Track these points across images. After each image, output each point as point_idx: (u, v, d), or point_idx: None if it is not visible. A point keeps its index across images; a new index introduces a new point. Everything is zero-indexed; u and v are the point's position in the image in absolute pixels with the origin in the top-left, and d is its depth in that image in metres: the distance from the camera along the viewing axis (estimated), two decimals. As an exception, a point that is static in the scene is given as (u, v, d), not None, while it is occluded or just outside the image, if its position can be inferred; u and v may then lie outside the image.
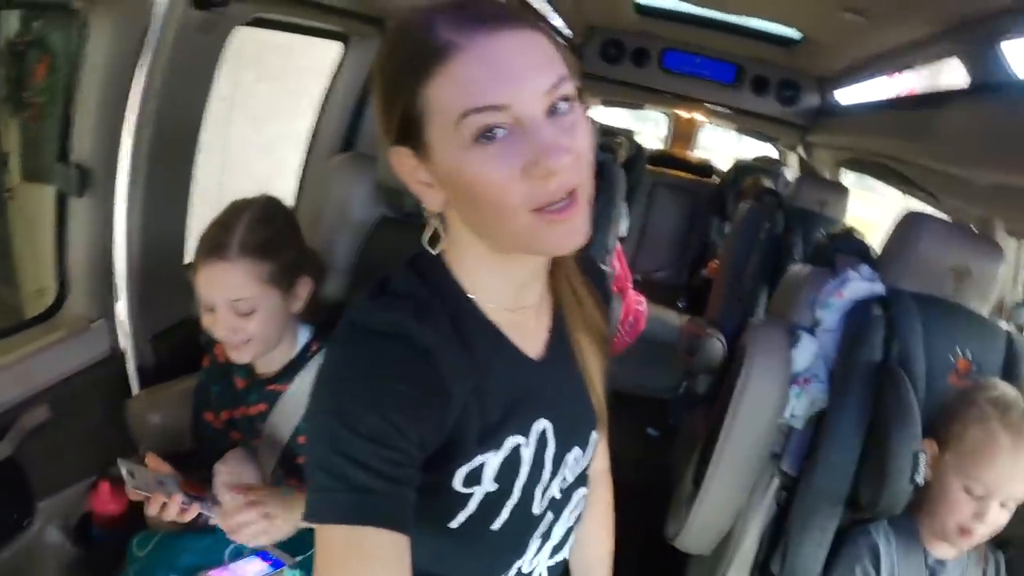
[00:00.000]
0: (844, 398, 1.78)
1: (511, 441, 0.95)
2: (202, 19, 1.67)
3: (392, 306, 0.89)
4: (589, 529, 1.30)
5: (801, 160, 5.36)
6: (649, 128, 8.60)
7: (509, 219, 0.82)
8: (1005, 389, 1.62)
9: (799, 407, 1.86)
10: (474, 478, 0.92)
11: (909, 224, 1.97)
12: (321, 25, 2.44)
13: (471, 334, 0.93)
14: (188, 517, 1.37)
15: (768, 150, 6.35)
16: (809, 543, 1.73)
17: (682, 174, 6.19)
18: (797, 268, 2.18)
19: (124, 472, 1.38)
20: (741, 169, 5.70)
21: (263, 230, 1.56)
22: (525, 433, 0.97)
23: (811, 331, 1.95)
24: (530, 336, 1.01)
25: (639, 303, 3.89)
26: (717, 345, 2.98)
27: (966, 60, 2.30)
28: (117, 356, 1.93)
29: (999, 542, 1.73)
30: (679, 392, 4.02)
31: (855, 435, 1.74)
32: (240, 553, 1.53)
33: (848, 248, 2.17)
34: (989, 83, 2.12)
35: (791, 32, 4.12)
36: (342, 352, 0.87)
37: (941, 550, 1.64)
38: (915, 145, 2.67)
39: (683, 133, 6.95)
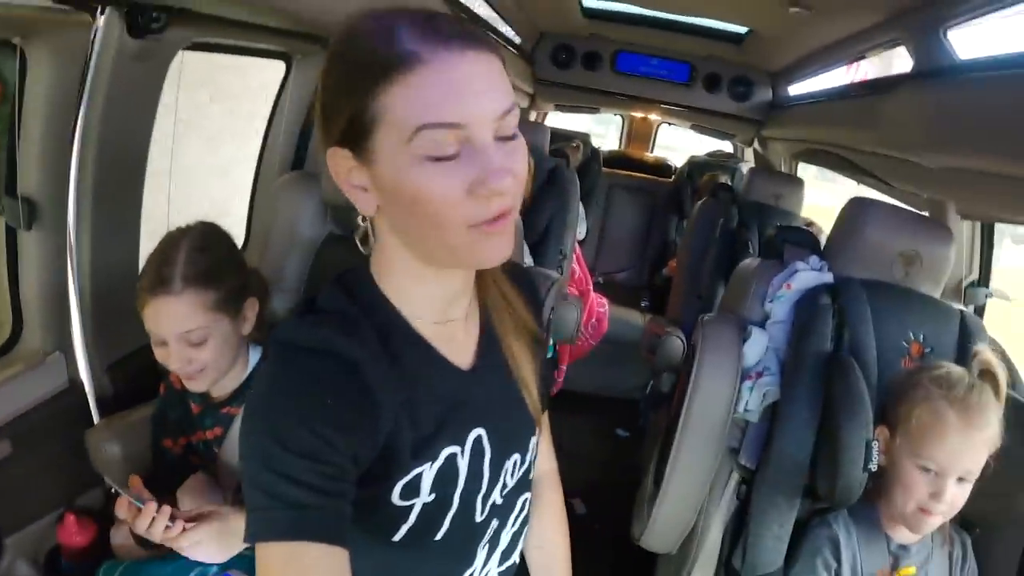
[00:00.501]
0: (795, 390, 1.78)
1: (446, 451, 0.96)
2: (139, 48, 1.67)
3: (319, 323, 0.91)
4: (543, 533, 1.31)
5: (756, 154, 5.39)
6: (612, 131, 8.61)
7: (447, 234, 0.84)
8: (950, 367, 1.63)
9: (752, 401, 1.86)
10: (412, 490, 0.93)
11: (854, 211, 1.97)
12: (264, 46, 2.44)
13: (400, 348, 0.94)
14: (171, 534, 1.36)
15: (729, 147, 6.39)
16: (768, 536, 1.73)
17: (640, 174, 6.21)
18: (747, 262, 2.19)
19: (115, 488, 1.38)
20: (695, 166, 5.75)
21: (204, 259, 1.57)
22: (460, 443, 0.98)
23: (761, 325, 1.95)
24: (459, 347, 1.03)
25: (601, 305, 3.93)
26: (676, 343, 2.99)
27: (911, 47, 2.33)
28: (76, 387, 1.91)
29: (964, 523, 1.75)
30: (646, 392, 4.04)
31: (807, 427, 1.74)
32: (204, 577, 1.53)
33: (797, 239, 2.18)
34: (934, 69, 2.15)
35: (740, 28, 4.17)
36: (271, 371, 0.88)
37: (903, 535, 1.65)
38: (864, 133, 2.69)
39: (641, 133, 6.96)
